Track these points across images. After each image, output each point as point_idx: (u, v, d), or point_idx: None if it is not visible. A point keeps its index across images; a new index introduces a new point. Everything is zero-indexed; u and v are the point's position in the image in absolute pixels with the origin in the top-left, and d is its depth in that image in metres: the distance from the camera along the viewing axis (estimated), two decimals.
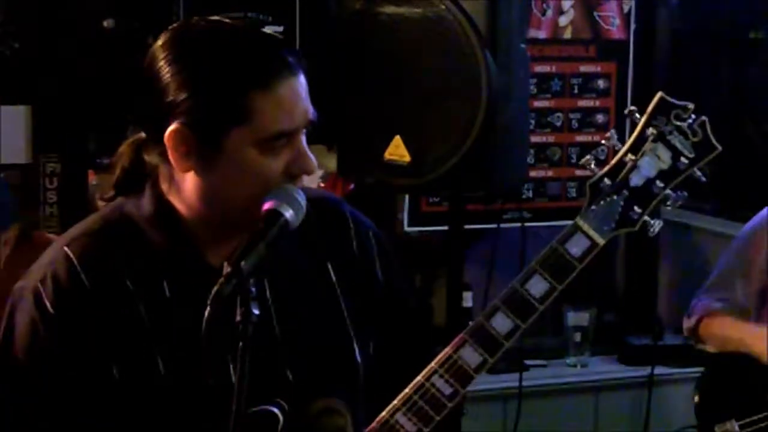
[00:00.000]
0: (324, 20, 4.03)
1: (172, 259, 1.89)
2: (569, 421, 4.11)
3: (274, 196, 1.79)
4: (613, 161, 1.85)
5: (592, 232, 1.85)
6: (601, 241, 1.84)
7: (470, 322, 1.92)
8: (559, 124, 4.32)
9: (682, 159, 1.84)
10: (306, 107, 1.84)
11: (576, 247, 1.85)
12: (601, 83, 4.34)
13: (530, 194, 4.24)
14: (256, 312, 1.66)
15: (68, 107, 4.65)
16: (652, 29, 4.67)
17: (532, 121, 4.09)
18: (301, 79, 1.84)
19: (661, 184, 1.85)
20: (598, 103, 4.35)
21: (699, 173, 1.86)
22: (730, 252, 3.52)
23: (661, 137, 1.84)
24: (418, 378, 1.87)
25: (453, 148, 3.22)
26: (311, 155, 1.85)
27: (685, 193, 1.86)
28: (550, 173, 4.31)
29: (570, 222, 1.86)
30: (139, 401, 1.87)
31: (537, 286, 1.85)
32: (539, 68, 4.18)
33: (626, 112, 1.88)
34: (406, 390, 1.88)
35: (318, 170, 1.93)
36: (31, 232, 2.82)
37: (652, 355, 4.21)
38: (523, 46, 3.39)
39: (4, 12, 4.81)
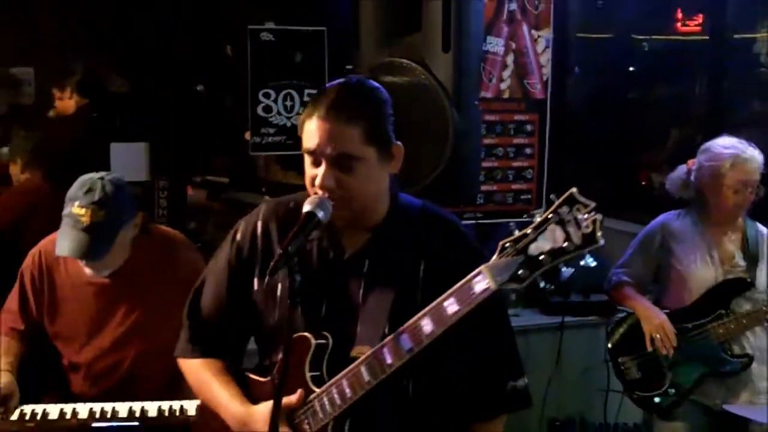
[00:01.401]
0: None
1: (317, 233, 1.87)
2: None
3: (311, 202, 1.78)
4: (521, 232, 1.64)
5: (489, 279, 1.65)
6: (494, 287, 1.65)
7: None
8: (501, 154, 4.32)
9: (570, 244, 1.58)
10: (325, 144, 1.76)
11: (478, 286, 1.67)
12: (528, 127, 4.32)
13: (482, 201, 4.25)
14: (299, 279, 1.69)
15: (173, 144, 4.71)
16: (562, 92, 4.69)
17: (483, 152, 4.10)
18: (327, 124, 1.76)
19: (549, 259, 1.60)
20: (526, 141, 4.33)
21: (590, 259, 1.65)
22: (636, 244, 3.48)
23: (561, 223, 1.59)
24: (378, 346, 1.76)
25: (430, 171, 3.21)
26: (325, 176, 1.77)
27: (573, 269, 1.63)
28: (494, 187, 4.29)
29: (506, 220, 1.76)
30: (263, 312, 1.92)
31: (451, 307, 1.69)
32: (488, 117, 4.18)
33: (551, 196, 1.63)
34: (369, 352, 1.77)
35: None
36: (150, 225, 2.85)
37: (563, 309, 4.22)
38: (476, 102, 3.39)
39: (132, 84, 4.89)
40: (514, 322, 4.16)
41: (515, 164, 4.34)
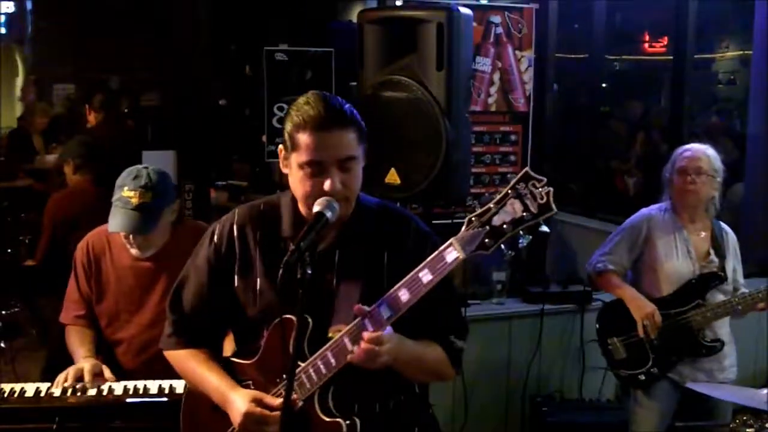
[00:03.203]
0: (349, 99, 4.06)
1: (291, 231, 1.87)
2: (493, 338, 4.10)
3: (320, 204, 1.76)
4: (484, 207, 1.70)
5: (459, 250, 1.70)
6: (463, 256, 1.70)
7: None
8: (488, 161, 4.31)
9: (528, 213, 1.65)
10: (331, 151, 1.75)
11: (449, 256, 1.70)
12: (512, 137, 4.32)
13: (471, 202, 4.25)
14: (310, 272, 1.65)
15: (198, 151, 4.70)
16: (542, 106, 4.69)
17: (473, 159, 4.09)
18: (328, 133, 1.74)
19: (510, 227, 1.67)
20: (510, 149, 4.33)
21: (544, 226, 1.66)
22: (619, 234, 3.41)
23: (519, 196, 1.66)
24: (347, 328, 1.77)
25: (425, 176, 3.23)
26: (335, 180, 1.76)
27: (531, 236, 1.68)
28: (482, 190, 4.31)
29: None
30: (244, 305, 1.91)
31: (426, 277, 1.71)
32: (476, 128, 4.16)
33: (508, 176, 1.69)
34: (350, 325, 1.76)
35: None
36: (183, 217, 2.92)
37: (543, 298, 4.20)
38: (466, 115, 3.39)
39: (162, 99, 4.89)
40: (500, 310, 4.26)
41: (501, 170, 4.33)
